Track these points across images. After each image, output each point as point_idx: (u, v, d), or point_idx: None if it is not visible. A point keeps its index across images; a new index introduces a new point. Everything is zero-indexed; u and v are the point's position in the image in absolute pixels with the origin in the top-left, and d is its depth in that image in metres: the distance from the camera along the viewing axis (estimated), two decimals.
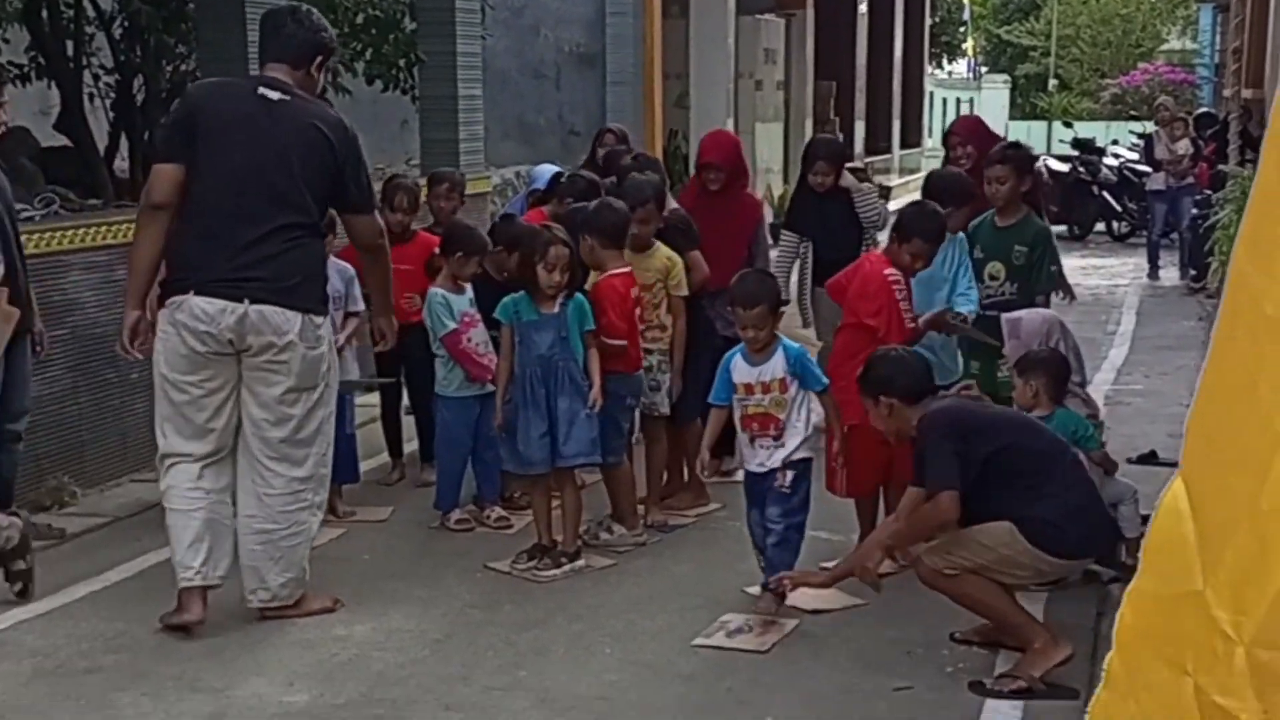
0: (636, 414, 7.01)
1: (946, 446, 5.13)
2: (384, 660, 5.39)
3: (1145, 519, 6.57)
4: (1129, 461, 7.68)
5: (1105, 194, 20.18)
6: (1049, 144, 33.62)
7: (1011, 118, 37.35)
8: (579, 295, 6.41)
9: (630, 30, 15.04)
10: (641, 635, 5.66)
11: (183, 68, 10.06)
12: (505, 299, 6.49)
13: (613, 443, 6.61)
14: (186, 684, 5.15)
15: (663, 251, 6.95)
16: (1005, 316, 6.48)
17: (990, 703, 4.96)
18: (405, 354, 7.36)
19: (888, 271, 6.23)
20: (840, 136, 23.83)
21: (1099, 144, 21.69)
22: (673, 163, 15.54)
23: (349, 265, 7.10)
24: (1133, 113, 31.98)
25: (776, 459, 5.84)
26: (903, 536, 5.44)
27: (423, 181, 8.38)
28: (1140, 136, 20.94)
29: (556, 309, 6.37)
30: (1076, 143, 20.96)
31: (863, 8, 24.30)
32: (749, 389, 5.87)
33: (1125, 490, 6.28)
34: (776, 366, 5.83)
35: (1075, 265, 17.93)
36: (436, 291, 6.99)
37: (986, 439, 5.19)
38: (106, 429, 7.69)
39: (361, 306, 7.13)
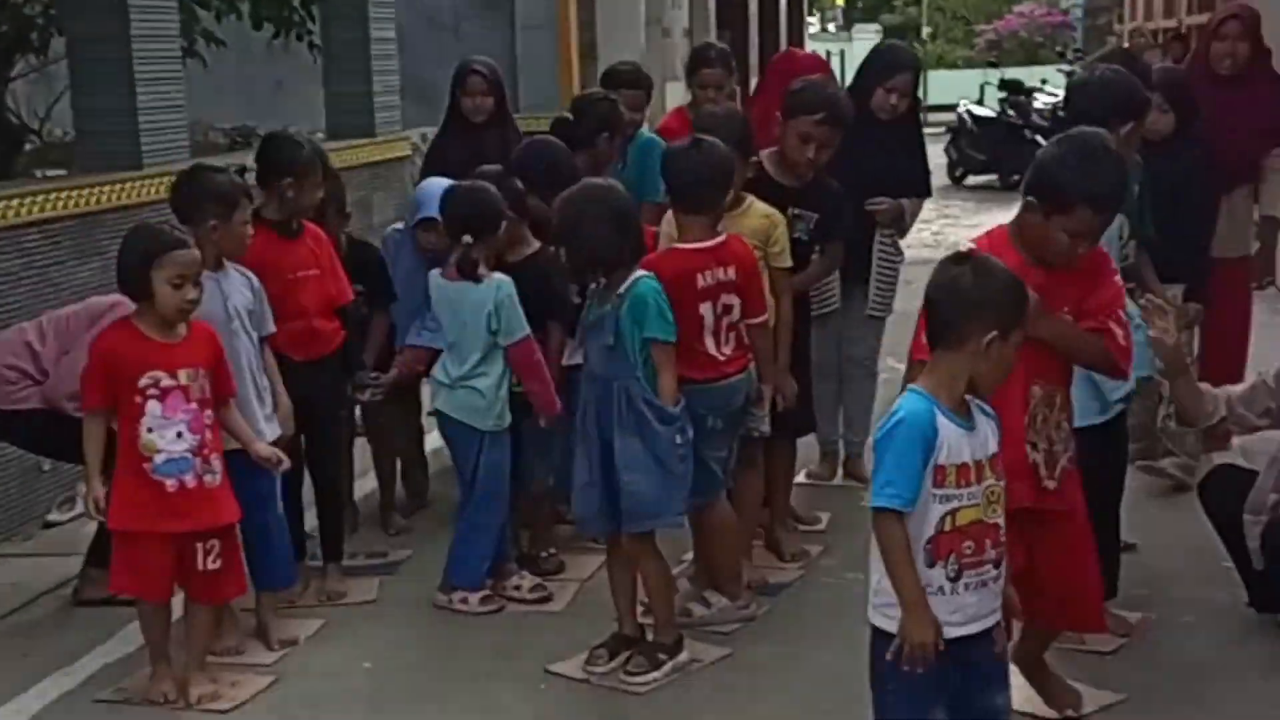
0: None
1: None
2: None
3: None
4: None
5: (1038, 139, 18.69)
6: (926, 93, 32.36)
7: None
8: (643, 282, 4.46)
9: None
10: None
11: (25, 11, 7.87)
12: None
13: (701, 480, 4.63)
14: None
15: (758, 208, 5.03)
16: None
17: None
18: (310, 402, 4.99)
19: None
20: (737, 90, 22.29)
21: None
22: None
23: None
24: (990, 60, 30.52)
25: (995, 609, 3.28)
26: None
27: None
28: (1071, 74, 19.56)
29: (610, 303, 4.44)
30: (1004, 84, 19.46)
31: None
32: (965, 474, 3.17)
33: None
34: (988, 425, 3.27)
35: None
36: (504, 279, 5.00)
37: None
38: None
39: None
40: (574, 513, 4.74)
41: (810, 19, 41.12)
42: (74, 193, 6.07)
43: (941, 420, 3.10)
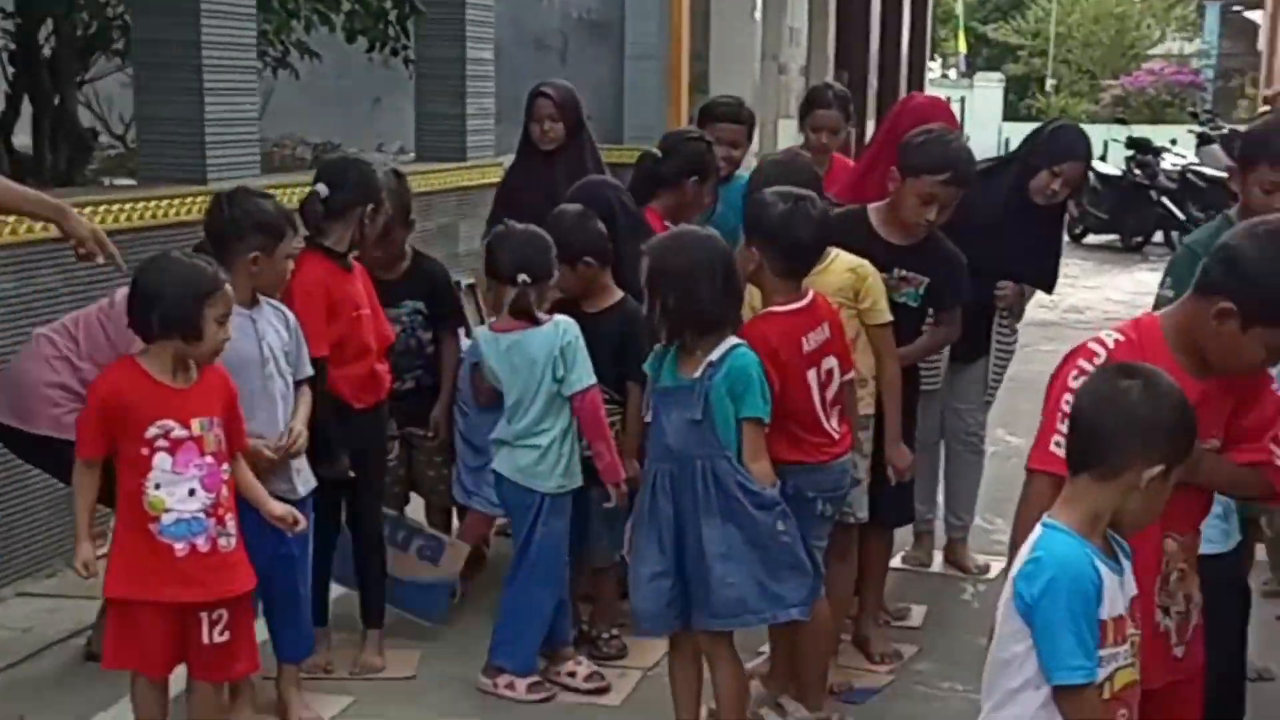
0: None
1: None
2: None
3: None
4: None
5: (1164, 200, 17.93)
6: None
7: (1005, 118, 35.09)
8: (742, 352, 3.91)
9: None
10: None
11: (108, 11, 7.51)
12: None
13: (802, 577, 4.01)
14: None
15: (842, 261, 4.44)
16: None
17: None
18: (362, 454, 4.61)
19: None
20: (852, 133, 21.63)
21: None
22: None
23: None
24: (1120, 115, 29.62)
25: None
26: None
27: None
28: (1203, 136, 18.76)
29: (698, 371, 3.89)
30: (1132, 142, 18.70)
31: None
32: (1120, 627, 2.64)
33: None
34: (1127, 564, 2.72)
35: (1136, 281, 15.41)
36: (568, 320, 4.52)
37: None
38: None
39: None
40: (634, 607, 4.12)
41: (931, 64, 40.49)
42: (126, 206, 5.64)
43: (1100, 567, 2.53)
